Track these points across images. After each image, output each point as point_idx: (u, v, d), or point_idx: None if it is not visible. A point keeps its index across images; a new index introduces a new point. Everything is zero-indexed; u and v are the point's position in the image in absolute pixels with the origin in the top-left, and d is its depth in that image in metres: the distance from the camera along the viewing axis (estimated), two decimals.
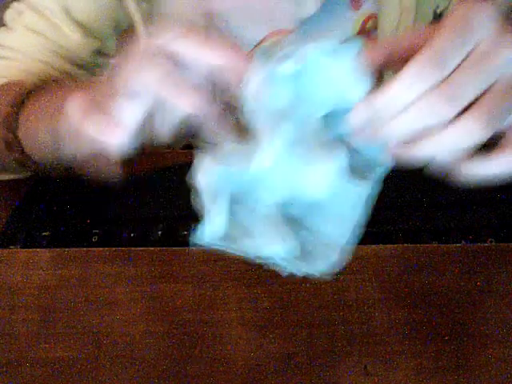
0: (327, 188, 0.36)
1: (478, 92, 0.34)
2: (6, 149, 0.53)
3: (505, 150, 0.36)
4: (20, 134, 0.52)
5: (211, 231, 0.36)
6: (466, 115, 0.34)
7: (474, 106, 0.34)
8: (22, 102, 0.52)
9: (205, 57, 0.36)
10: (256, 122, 0.36)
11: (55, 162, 0.55)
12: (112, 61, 0.70)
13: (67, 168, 0.57)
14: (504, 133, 0.36)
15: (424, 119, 0.34)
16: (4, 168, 0.59)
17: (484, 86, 0.34)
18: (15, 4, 0.63)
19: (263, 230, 0.37)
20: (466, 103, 0.34)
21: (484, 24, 0.34)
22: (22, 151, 0.52)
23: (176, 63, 0.37)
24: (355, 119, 0.35)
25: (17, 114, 0.52)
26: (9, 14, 0.63)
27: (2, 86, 0.60)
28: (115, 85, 0.38)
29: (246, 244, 0.36)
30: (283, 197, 0.37)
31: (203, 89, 0.37)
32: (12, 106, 0.52)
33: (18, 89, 0.55)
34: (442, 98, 0.33)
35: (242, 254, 0.37)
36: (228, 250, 0.36)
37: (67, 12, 0.61)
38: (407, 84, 0.34)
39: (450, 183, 0.36)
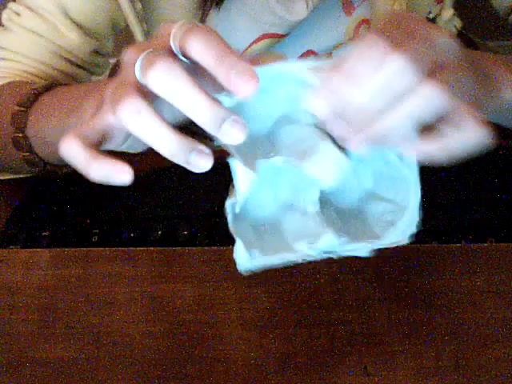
0: (338, 173, 0.37)
1: (432, 59, 0.35)
2: (15, 147, 0.53)
3: (460, 126, 0.35)
4: (29, 133, 0.52)
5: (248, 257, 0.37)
6: (426, 80, 0.34)
7: (431, 75, 0.34)
8: (30, 101, 0.52)
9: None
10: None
11: (64, 160, 0.55)
12: (111, 60, 0.70)
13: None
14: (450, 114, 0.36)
15: (390, 85, 0.34)
16: (10, 167, 0.59)
17: (433, 54, 0.35)
18: (12, 4, 0.63)
19: (309, 227, 0.38)
20: (426, 67, 0.34)
21: (411, 17, 0.36)
22: (31, 150, 0.52)
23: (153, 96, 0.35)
24: (318, 105, 0.35)
25: (25, 112, 0.52)
26: (5, 15, 0.63)
27: (3, 86, 0.60)
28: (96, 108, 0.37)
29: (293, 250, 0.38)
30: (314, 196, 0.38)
31: (177, 124, 0.35)
32: (20, 105, 0.52)
33: (24, 89, 0.55)
34: (405, 59, 0.33)
35: (290, 262, 0.37)
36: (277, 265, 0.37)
37: (64, 12, 0.61)
38: (362, 55, 0.34)
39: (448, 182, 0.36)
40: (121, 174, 0.36)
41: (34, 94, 0.53)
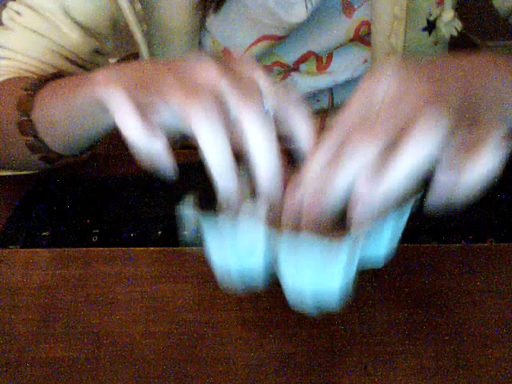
0: None
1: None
2: (20, 132, 0.52)
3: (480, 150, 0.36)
4: (34, 117, 0.51)
5: None
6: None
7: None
8: (37, 86, 0.52)
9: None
10: None
11: (69, 144, 0.54)
12: (111, 60, 0.71)
13: (81, 151, 0.56)
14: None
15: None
16: (8, 157, 0.58)
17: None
18: (12, 4, 0.63)
19: None
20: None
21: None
22: (35, 134, 0.52)
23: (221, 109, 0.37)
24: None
25: (31, 96, 0.52)
26: (6, 14, 0.63)
27: (4, 81, 0.60)
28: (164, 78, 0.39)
29: None
30: None
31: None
32: (26, 90, 0.52)
33: (30, 79, 0.55)
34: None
35: None
36: None
37: (65, 12, 0.61)
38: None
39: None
40: (167, 163, 0.39)
41: (42, 79, 0.53)
